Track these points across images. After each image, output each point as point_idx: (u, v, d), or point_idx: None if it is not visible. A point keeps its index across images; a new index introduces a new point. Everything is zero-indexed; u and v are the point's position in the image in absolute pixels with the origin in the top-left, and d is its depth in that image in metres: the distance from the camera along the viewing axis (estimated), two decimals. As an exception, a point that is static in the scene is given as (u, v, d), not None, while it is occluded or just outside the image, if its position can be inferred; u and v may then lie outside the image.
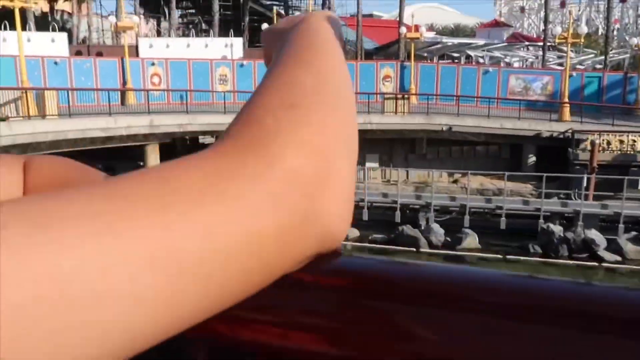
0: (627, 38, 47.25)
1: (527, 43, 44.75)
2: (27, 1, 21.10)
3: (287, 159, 0.30)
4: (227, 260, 0.27)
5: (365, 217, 20.30)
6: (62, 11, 45.38)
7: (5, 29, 25.41)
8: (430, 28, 49.84)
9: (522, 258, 17.94)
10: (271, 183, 0.29)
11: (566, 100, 25.02)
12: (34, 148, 18.49)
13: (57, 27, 32.15)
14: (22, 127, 17.77)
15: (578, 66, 36.89)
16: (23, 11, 23.63)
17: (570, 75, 26.55)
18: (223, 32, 36.20)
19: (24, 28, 24.51)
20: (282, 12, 42.11)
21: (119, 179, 0.28)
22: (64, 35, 29.56)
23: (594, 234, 17.65)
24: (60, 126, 18.96)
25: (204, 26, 45.58)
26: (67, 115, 19.87)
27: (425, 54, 39.36)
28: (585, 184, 19.29)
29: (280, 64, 0.39)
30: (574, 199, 19.53)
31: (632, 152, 21.21)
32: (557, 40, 28.63)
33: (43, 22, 37.16)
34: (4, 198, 0.56)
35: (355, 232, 19.90)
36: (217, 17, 36.98)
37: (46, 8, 41.38)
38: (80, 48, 31.39)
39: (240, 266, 0.28)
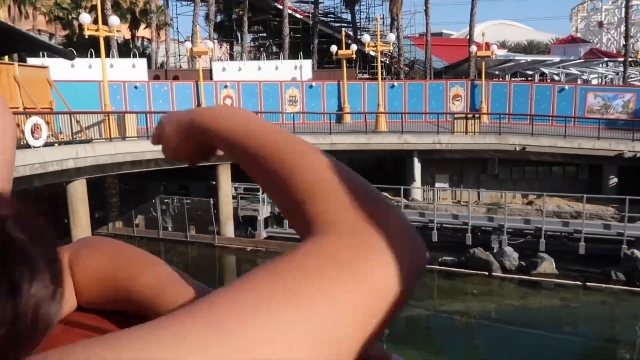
0: None
1: (606, 59, 42.84)
2: (111, 30, 22.33)
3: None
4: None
5: (434, 238, 20.00)
6: (142, 38, 47.90)
7: (91, 56, 27.03)
8: (502, 45, 48.83)
9: (603, 285, 17.04)
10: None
11: (651, 118, 23.67)
12: (115, 168, 19.47)
13: (137, 53, 33.91)
14: (104, 149, 18.73)
15: (663, 82, 34.91)
16: (107, 39, 25.07)
17: (655, 92, 25.15)
18: (293, 55, 36.95)
19: (107, 55, 25.99)
20: (351, 33, 42.50)
21: (249, 279, 0.37)
22: (144, 60, 31.10)
23: (684, 261, 16.48)
24: (139, 147, 19.82)
25: (274, 49, 46.76)
26: (145, 137, 20.78)
27: (497, 72, 38.50)
28: (673, 207, 18.09)
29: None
30: (661, 223, 18.35)
31: None
32: (639, 56, 27.27)
33: (125, 49, 39.36)
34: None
35: (424, 254, 19.58)
36: (287, 40, 37.81)
37: (128, 35, 43.82)
38: (159, 72, 32.87)
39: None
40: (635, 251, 17.17)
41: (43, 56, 24.03)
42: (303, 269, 0.38)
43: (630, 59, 34.37)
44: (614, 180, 22.51)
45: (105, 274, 0.64)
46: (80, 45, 36.05)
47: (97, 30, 21.34)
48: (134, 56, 31.94)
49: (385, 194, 22.70)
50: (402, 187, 22.19)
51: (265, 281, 0.37)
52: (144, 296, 0.62)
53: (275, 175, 0.48)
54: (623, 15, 36.80)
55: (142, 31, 45.52)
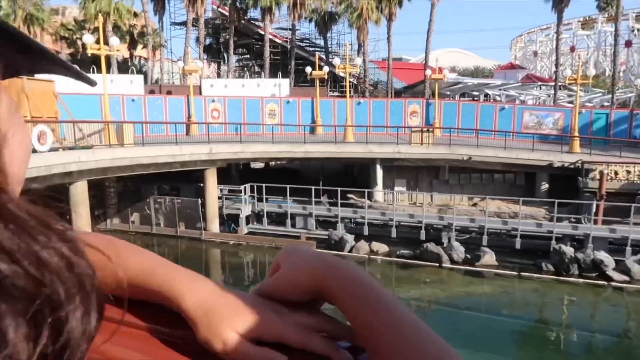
0: (632, 78, 45.78)
1: (539, 83, 43.88)
2: (111, 49, 22.00)
3: None
4: None
5: (393, 234, 20.12)
6: (140, 57, 47.19)
7: (94, 72, 26.55)
8: (453, 70, 49.53)
9: (535, 275, 17.39)
10: None
11: (576, 134, 24.34)
12: (113, 171, 19.14)
13: (135, 70, 33.43)
14: (104, 154, 18.41)
15: (587, 104, 35.91)
16: (108, 58, 24.68)
17: (580, 112, 25.86)
18: (272, 74, 36.90)
19: (108, 71, 25.58)
20: (324, 57, 42.67)
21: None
22: (141, 77, 30.69)
23: (603, 255, 16.94)
24: (135, 153, 19.55)
25: (256, 69, 46.63)
26: (141, 144, 20.50)
27: (448, 93, 39.09)
28: (594, 209, 18.61)
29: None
30: (584, 223, 18.84)
31: (639, 181, 20.37)
32: (567, 81, 28.00)
33: (124, 66, 38.76)
34: None
35: (385, 248, 19.70)
36: (267, 61, 37.73)
37: (127, 54, 43.14)
38: (154, 87, 32.45)
39: None
40: (562, 246, 17.55)
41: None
42: None
43: (559, 84, 35.26)
44: (545, 186, 22.97)
45: (98, 265, 0.63)
46: (83, 62, 35.40)
47: (99, 49, 20.99)
48: (132, 73, 31.51)
49: (352, 195, 22.88)
50: (366, 190, 22.36)
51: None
52: (134, 281, 0.58)
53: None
54: (554, 46, 37.73)
55: (140, 51, 44.86)
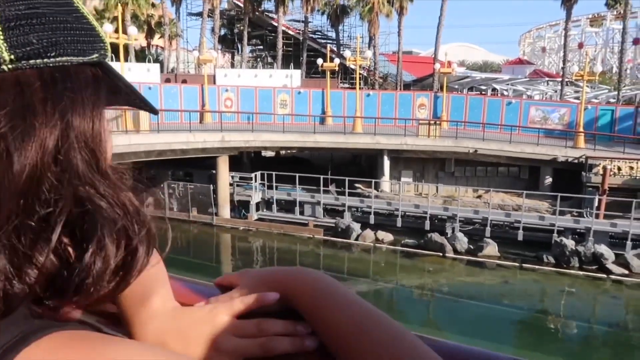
0: (638, 76, 45.06)
1: (547, 79, 43.29)
2: (130, 39, 22.02)
3: None
4: None
5: (399, 224, 20.12)
6: (157, 46, 47.21)
7: (112, 60, 26.59)
8: (461, 64, 49.09)
9: (536, 267, 17.33)
10: None
11: (581, 129, 24.03)
12: (129, 156, 19.25)
13: (151, 59, 33.47)
14: (120, 140, 18.52)
15: (593, 100, 35.41)
16: (126, 46, 24.72)
17: (586, 108, 25.51)
18: (284, 65, 36.75)
19: (126, 59, 25.62)
20: (335, 49, 42.43)
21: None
22: (157, 65, 30.71)
23: (603, 248, 16.83)
24: (151, 139, 19.64)
25: (269, 60, 46.45)
26: (156, 131, 20.59)
27: (456, 87, 38.71)
28: (596, 204, 18.45)
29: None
30: (585, 216, 18.70)
31: (641, 177, 20.13)
32: (574, 77, 27.58)
33: (141, 55, 38.81)
34: None
35: (390, 237, 19.71)
36: (280, 52, 37.59)
37: (144, 43, 43.16)
38: (169, 76, 32.49)
39: None
40: (564, 239, 17.45)
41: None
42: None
43: (566, 80, 34.77)
44: (549, 179, 22.78)
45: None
46: (102, 50, 35.40)
47: (117, 38, 21.04)
48: (149, 62, 31.55)
49: (359, 185, 22.86)
50: (373, 180, 22.31)
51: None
52: None
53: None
54: (562, 42, 37.17)
55: (157, 40, 44.87)
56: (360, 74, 29.48)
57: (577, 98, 32.72)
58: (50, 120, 0.38)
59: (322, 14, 43.15)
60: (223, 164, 21.92)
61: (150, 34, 42.53)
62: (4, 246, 0.36)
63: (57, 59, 0.39)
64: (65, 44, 0.40)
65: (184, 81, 30.31)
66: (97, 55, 0.43)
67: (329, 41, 45.67)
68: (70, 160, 0.39)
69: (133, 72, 26.39)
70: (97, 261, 0.39)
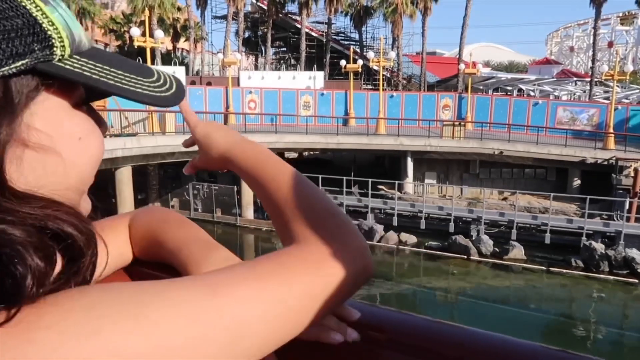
0: (672, 75, 43.61)
1: (575, 79, 42.26)
2: (156, 42, 22.40)
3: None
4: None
5: (422, 226, 19.93)
6: (182, 49, 47.95)
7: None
8: (487, 64, 48.37)
9: (564, 271, 16.92)
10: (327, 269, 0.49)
11: (611, 130, 23.39)
12: (155, 157, 19.59)
13: (177, 62, 33.99)
14: (147, 141, 18.86)
15: (623, 100, 34.42)
16: (153, 50, 25.16)
17: (616, 108, 24.82)
18: (308, 67, 36.86)
19: (152, 62, 26.07)
20: (358, 50, 42.34)
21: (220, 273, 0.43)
22: (183, 68, 31.19)
23: (635, 252, 16.32)
24: (176, 141, 19.90)
25: (292, 61, 46.65)
26: (181, 132, 20.88)
27: (481, 87, 38.18)
28: (627, 206, 17.90)
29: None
30: (616, 219, 18.17)
31: (674, 180, 19.43)
32: (603, 77, 26.85)
33: (167, 58, 39.45)
34: (117, 257, 0.65)
35: (413, 239, 19.53)
36: (303, 54, 37.71)
37: (170, 47, 43.90)
38: (194, 79, 32.93)
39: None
40: (593, 242, 17.02)
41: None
42: (275, 261, 0.47)
43: (595, 80, 33.91)
44: (577, 182, 22.28)
45: (149, 231, 0.68)
46: (130, 54, 36.19)
47: (144, 41, 21.42)
48: (175, 64, 32.04)
49: (382, 186, 22.72)
50: (396, 182, 22.16)
51: (247, 266, 0.45)
52: (168, 252, 0.65)
53: (273, 203, 0.59)
54: (591, 41, 36.27)
55: (182, 43, 45.57)
56: (383, 75, 29.33)
57: (607, 98, 31.84)
58: None
59: (346, 15, 43.14)
60: (247, 165, 22.04)
61: (176, 38, 43.22)
62: None
63: None
64: None
65: (209, 83, 30.67)
66: (27, 60, 0.36)
67: (352, 43, 45.61)
68: None
69: (159, 75, 26.73)
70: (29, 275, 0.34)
